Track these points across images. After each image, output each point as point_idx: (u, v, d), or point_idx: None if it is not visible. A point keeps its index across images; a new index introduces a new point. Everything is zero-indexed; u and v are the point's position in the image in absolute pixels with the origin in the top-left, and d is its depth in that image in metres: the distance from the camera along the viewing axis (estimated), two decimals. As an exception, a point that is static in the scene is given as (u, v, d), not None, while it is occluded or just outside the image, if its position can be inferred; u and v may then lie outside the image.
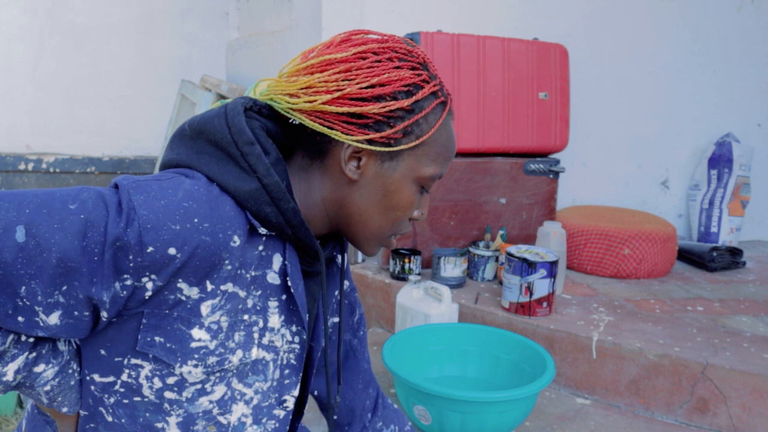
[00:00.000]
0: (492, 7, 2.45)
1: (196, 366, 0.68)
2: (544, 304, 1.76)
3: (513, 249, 1.81)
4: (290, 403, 0.80)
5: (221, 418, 0.73)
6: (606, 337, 1.64)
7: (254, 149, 0.68)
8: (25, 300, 0.61)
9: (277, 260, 0.73)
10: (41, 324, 0.63)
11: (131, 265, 0.62)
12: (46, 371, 0.67)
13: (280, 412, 0.79)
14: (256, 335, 0.72)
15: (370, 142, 0.71)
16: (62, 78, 3.24)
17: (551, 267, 1.74)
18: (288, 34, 2.57)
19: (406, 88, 0.71)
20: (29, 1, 3.15)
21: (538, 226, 2.11)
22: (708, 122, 2.81)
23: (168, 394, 0.69)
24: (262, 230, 0.70)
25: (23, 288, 0.60)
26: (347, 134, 0.71)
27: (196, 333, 0.67)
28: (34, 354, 0.66)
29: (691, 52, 2.74)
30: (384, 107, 0.70)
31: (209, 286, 0.66)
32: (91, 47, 3.26)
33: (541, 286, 1.74)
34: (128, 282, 0.63)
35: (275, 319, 0.74)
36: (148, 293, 0.65)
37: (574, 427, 1.50)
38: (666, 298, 2.01)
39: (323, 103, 0.70)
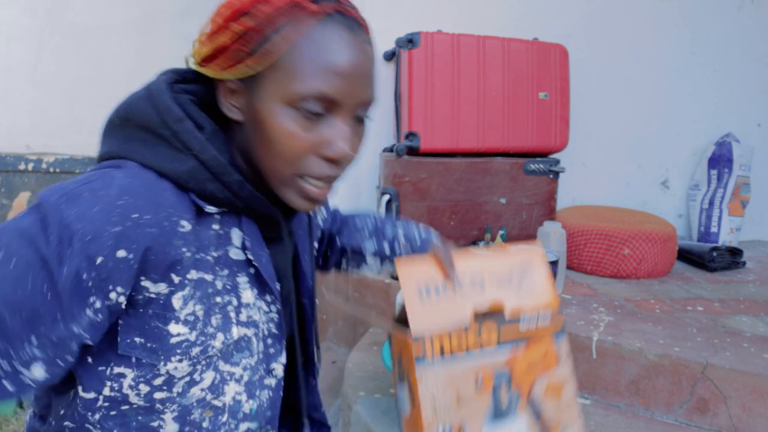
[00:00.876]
0: (492, 7, 2.45)
1: (180, 361, 0.66)
2: (544, 304, 1.76)
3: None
4: (279, 370, 0.79)
5: (216, 402, 0.71)
6: (606, 337, 1.64)
7: (184, 126, 0.65)
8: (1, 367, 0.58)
9: (236, 235, 0.71)
10: (30, 383, 0.60)
11: (89, 284, 0.58)
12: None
13: (271, 381, 0.78)
14: (232, 315, 0.71)
15: (236, 76, 0.67)
16: (62, 78, 3.24)
17: (551, 267, 1.74)
18: (288, 34, 2.57)
19: (251, 7, 0.65)
20: (29, 1, 3.15)
21: (538, 226, 2.11)
22: (708, 122, 2.81)
23: (158, 395, 0.68)
24: (210, 209, 0.67)
25: None
26: (215, 73, 0.68)
27: (174, 328, 0.65)
28: None
29: (691, 52, 2.74)
30: (233, 33, 0.65)
31: (175, 279, 0.64)
32: (91, 47, 3.26)
33: (541, 286, 1.74)
34: (98, 305, 0.60)
35: (248, 294, 0.73)
36: (123, 304, 0.63)
37: (574, 427, 1.50)
38: (666, 298, 2.01)
39: (198, 51, 0.69)
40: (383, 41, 2.30)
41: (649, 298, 2.00)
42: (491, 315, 0.94)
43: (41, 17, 3.17)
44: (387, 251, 1.04)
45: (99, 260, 0.58)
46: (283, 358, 0.79)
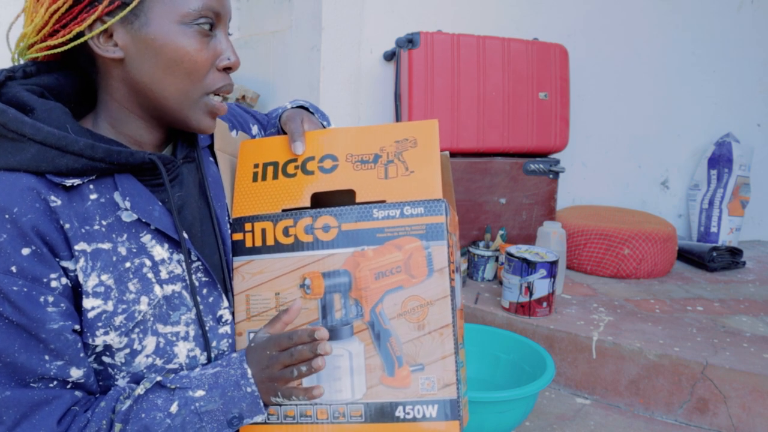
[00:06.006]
0: (492, 7, 2.45)
1: (106, 333, 0.67)
2: (544, 304, 1.76)
3: (513, 249, 1.81)
4: (228, 316, 0.77)
5: (170, 366, 0.72)
6: (606, 337, 1.64)
7: (8, 115, 0.65)
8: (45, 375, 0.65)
9: (119, 198, 0.70)
10: (70, 378, 0.66)
11: (25, 290, 0.62)
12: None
13: (225, 329, 0.77)
14: (150, 275, 0.70)
15: (110, 15, 0.68)
16: (62, 78, 3.23)
17: (551, 267, 1.74)
18: (288, 34, 2.57)
19: None
20: (29, 1, 3.15)
21: (538, 226, 2.11)
22: (708, 122, 2.81)
23: (105, 359, 0.69)
24: (71, 181, 0.67)
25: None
26: (81, 23, 0.68)
27: (87, 302, 0.66)
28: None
29: (691, 52, 2.74)
30: None
31: (72, 252, 0.66)
32: (91, 47, 3.26)
33: (541, 286, 1.74)
34: (51, 299, 0.64)
35: (160, 251, 0.72)
36: (70, 284, 0.66)
37: (574, 427, 1.50)
38: (666, 298, 2.01)
39: (44, 17, 0.68)
40: (383, 41, 2.30)
41: (649, 298, 2.00)
42: (339, 203, 0.77)
43: (41, 17, 3.17)
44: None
45: (14, 269, 0.62)
46: (225, 302, 0.76)
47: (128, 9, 0.66)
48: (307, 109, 0.95)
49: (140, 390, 0.68)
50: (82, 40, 0.69)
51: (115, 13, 0.67)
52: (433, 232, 0.74)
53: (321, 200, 0.79)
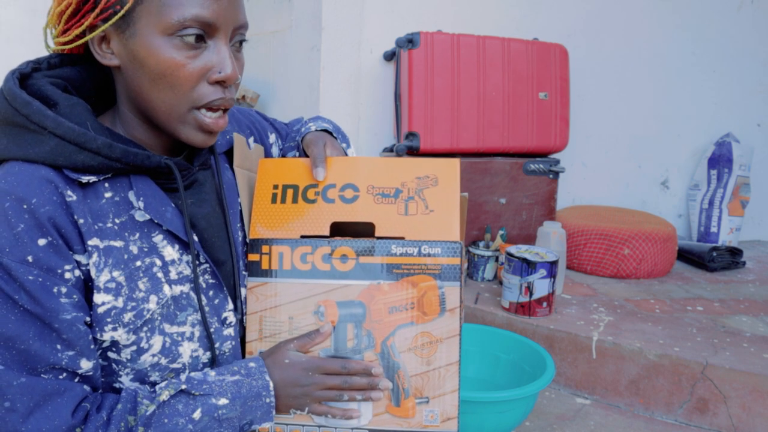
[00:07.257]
0: (492, 7, 2.45)
1: (115, 329, 0.68)
2: (544, 304, 1.76)
3: (513, 249, 1.81)
4: (232, 318, 0.78)
5: (174, 365, 0.72)
6: (606, 337, 1.64)
7: (32, 107, 0.66)
8: (57, 364, 0.65)
9: (134, 198, 0.71)
10: (80, 369, 0.66)
11: (40, 280, 0.62)
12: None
13: (229, 331, 0.77)
14: (160, 275, 0.71)
15: (104, 22, 0.67)
16: (62, 78, 3.23)
17: (551, 267, 1.74)
18: (288, 34, 2.57)
19: None
20: (29, 1, 3.15)
21: (538, 226, 2.11)
22: (708, 122, 2.81)
23: (111, 355, 0.70)
24: (87, 178, 0.67)
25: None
26: (80, 26, 0.68)
27: (98, 297, 0.67)
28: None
29: (691, 52, 2.74)
30: None
31: (85, 247, 0.67)
32: (91, 47, 3.26)
33: (541, 286, 1.74)
34: (64, 290, 0.64)
35: (170, 251, 0.72)
36: (83, 277, 0.66)
37: (574, 427, 1.50)
38: (666, 298, 2.01)
39: (54, 17, 0.69)
40: (383, 41, 2.30)
41: (649, 298, 2.00)
42: (357, 234, 0.79)
43: (41, 17, 3.17)
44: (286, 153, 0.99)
45: (30, 258, 0.63)
46: (230, 305, 0.77)
47: (117, 17, 0.66)
48: (331, 133, 0.95)
49: (164, 396, 0.68)
50: (81, 41, 0.70)
51: (108, 20, 0.67)
52: (448, 273, 0.77)
53: (339, 228, 0.80)
